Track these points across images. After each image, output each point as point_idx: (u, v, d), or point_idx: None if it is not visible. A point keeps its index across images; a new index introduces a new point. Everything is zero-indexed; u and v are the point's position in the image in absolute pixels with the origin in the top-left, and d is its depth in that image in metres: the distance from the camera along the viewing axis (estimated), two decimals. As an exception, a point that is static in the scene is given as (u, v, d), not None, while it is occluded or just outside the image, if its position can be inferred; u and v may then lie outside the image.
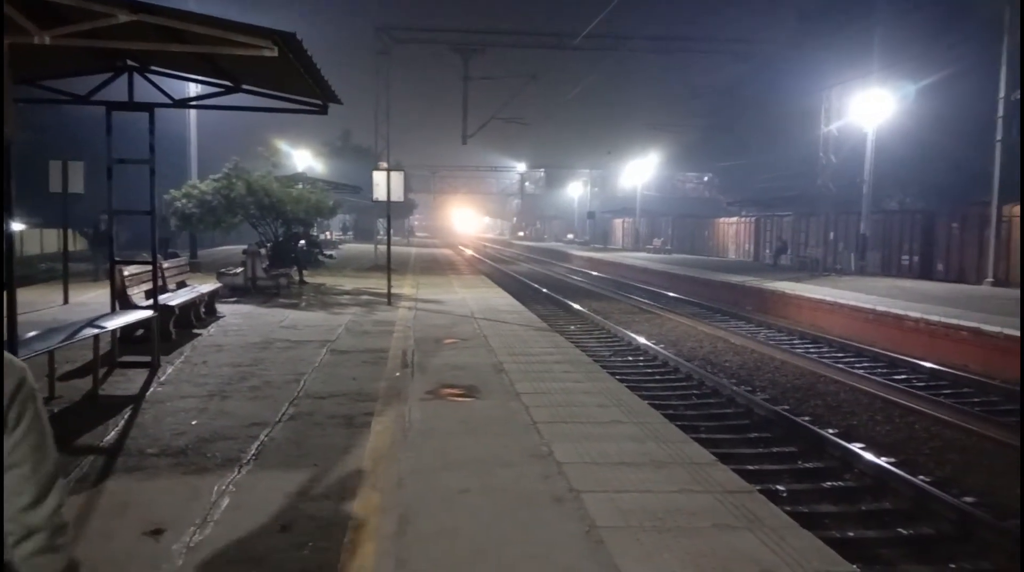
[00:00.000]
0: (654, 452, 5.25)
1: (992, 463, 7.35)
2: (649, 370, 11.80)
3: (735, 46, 35.12)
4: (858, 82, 24.87)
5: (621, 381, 8.38)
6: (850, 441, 7.74)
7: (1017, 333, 11.58)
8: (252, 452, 5.17)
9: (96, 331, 6.89)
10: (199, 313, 11.31)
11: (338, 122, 57.67)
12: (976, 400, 9.93)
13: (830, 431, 8.15)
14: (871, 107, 23.83)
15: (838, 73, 27.21)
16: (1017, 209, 20.49)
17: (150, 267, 8.83)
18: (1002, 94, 20.44)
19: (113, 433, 5.60)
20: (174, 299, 10.16)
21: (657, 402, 8.66)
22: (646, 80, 79.40)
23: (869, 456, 7.11)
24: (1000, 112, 20.50)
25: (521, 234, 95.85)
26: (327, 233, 41.71)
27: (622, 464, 4.98)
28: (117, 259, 8.91)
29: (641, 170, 52.08)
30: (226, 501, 4.29)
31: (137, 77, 8.15)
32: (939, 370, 11.48)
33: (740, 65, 40.60)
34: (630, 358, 12.81)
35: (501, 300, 15.99)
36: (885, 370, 11.87)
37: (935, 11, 30.00)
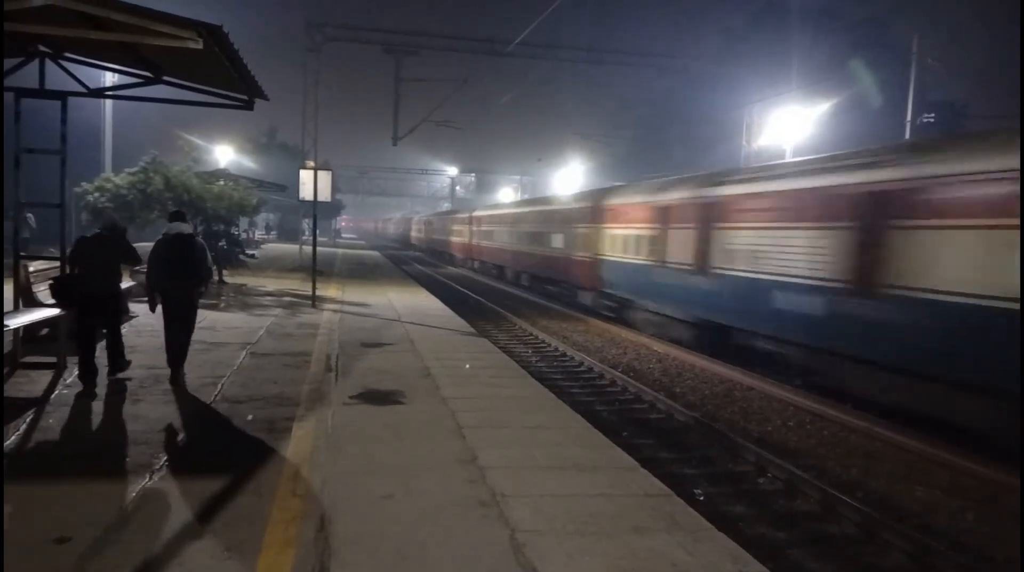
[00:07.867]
0: (578, 457, 5.33)
1: (894, 468, 7.75)
2: (574, 376, 11.94)
3: (663, 61, 35.93)
4: (778, 99, 25.87)
5: (547, 386, 8.46)
6: (763, 447, 8.03)
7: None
8: (166, 457, 4.98)
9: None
10: (111, 312, 10.78)
11: (264, 118, 56.31)
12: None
13: (745, 437, 8.43)
14: (789, 123, 24.85)
15: (760, 91, 28.29)
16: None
17: (58, 263, 8.40)
18: (908, 118, 21.66)
19: (14, 437, 5.30)
20: (84, 297, 9.67)
21: (582, 408, 8.78)
22: (577, 90, 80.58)
23: (781, 461, 7.40)
24: (907, 135, 21.71)
25: None
26: (248, 232, 40.51)
27: (547, 468, 5.03)
28: (22, 254, 8.43)
29: (571, 178, 52.75)
30: (137, 508, 4.13)
31: (49, 63, 7.75)
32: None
33: (668, 79, 41.65)
34: (556, 364, 12.94)
35: (428, 304, 15.91)
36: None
37: (849, 36, 31.63)
